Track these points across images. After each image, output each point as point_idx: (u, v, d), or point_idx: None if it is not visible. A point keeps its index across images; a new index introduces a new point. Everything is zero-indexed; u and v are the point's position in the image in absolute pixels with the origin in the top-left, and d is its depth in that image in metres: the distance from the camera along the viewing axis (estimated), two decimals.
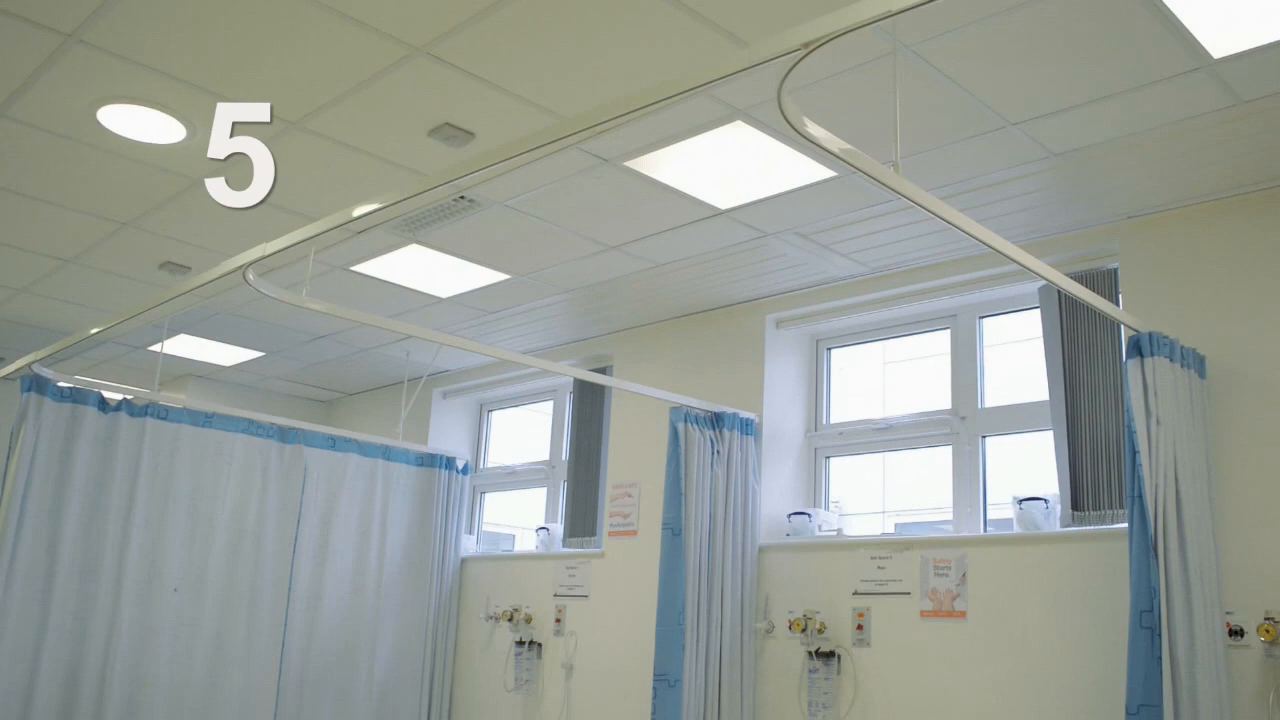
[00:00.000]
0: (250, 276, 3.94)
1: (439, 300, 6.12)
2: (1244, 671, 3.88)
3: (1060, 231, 4.70)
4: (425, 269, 5.63)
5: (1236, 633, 3.88)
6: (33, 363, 5.33)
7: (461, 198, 4.65)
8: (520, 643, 6.48)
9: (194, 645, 5.84)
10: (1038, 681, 4.35)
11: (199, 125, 4.07)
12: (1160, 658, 3.51)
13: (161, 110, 3.95)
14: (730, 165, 4.24)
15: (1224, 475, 4.01)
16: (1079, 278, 4.28)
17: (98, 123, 4.08)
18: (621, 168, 4.29)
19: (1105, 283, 4.60)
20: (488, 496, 7.83)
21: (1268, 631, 3.80)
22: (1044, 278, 3.56)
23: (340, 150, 4.24)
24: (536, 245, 5.23)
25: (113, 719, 5.46)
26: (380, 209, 3.32)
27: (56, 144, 4.31)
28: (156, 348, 6.70)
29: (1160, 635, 3.53)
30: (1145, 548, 3.63)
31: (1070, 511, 4.53)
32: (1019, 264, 3.45)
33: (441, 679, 6.78)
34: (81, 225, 5.25)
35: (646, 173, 4.34)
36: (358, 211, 3.36)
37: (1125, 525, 3.92)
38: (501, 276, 5.69)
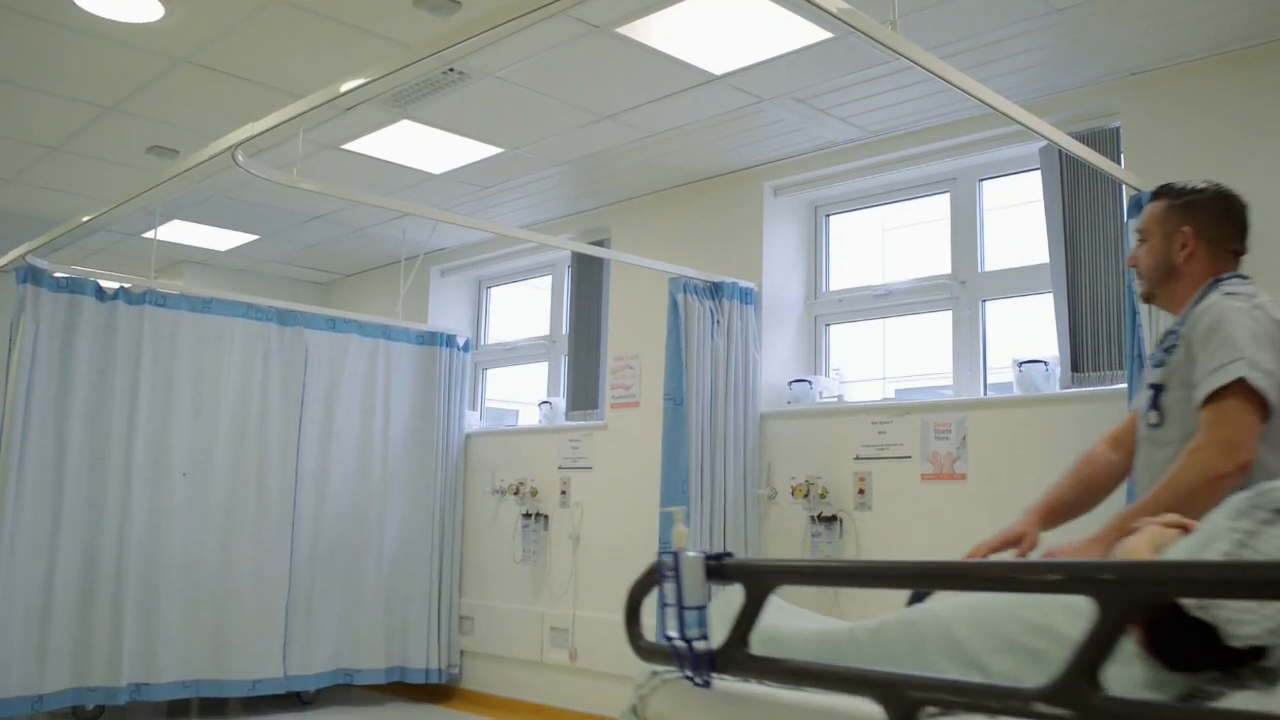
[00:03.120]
0: (240, 157, 3.90)
1: (433, 176, 6.06)
2: None
3: (1061, 91, 4.62)
4: (417, 145, 5.55)
5: None
6: (26, 254, 5.30)
7: (451, 70, 4.56)
8: (527, 515, 6.59)
9: (205, 527, 5.94)
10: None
11: (176, 3, 3.97)
12: None
13: None
14: (724, 28, 4.15)
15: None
16: (1080, 137, 4.22)
17: (73, 3, 3.98)
18: (613, 34, 4.20)
19: (1106, 142, 4.53)
20: (490, 373, 7.87)
21: None
22: (1045, 137, 3.52)
23: (325, 24, 4.14)
24: (529, 117, 5.15)
25: (131, 602, 5.60)
26: (368, 83, 3.26)
27: (33, 27, 4.21)
28: (150, 235, 6.66)
29: None
30: None
31: (1070, 373, 4.55)
32: (1020, 124, 3.41)
33: (451, 552, 6.92)
34: (64, 111, 5.16)
35: (638, 39, 4.25)
36: (345, 87, 3.30)
37: (1124, 386, 3.95)
38: (495, 150, 5.62)
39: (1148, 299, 2.73)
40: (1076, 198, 4.63)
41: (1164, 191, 2.73)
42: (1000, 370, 5.07)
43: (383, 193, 6.15)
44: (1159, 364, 2.53)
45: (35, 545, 5.34)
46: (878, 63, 4.38)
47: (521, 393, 7.76)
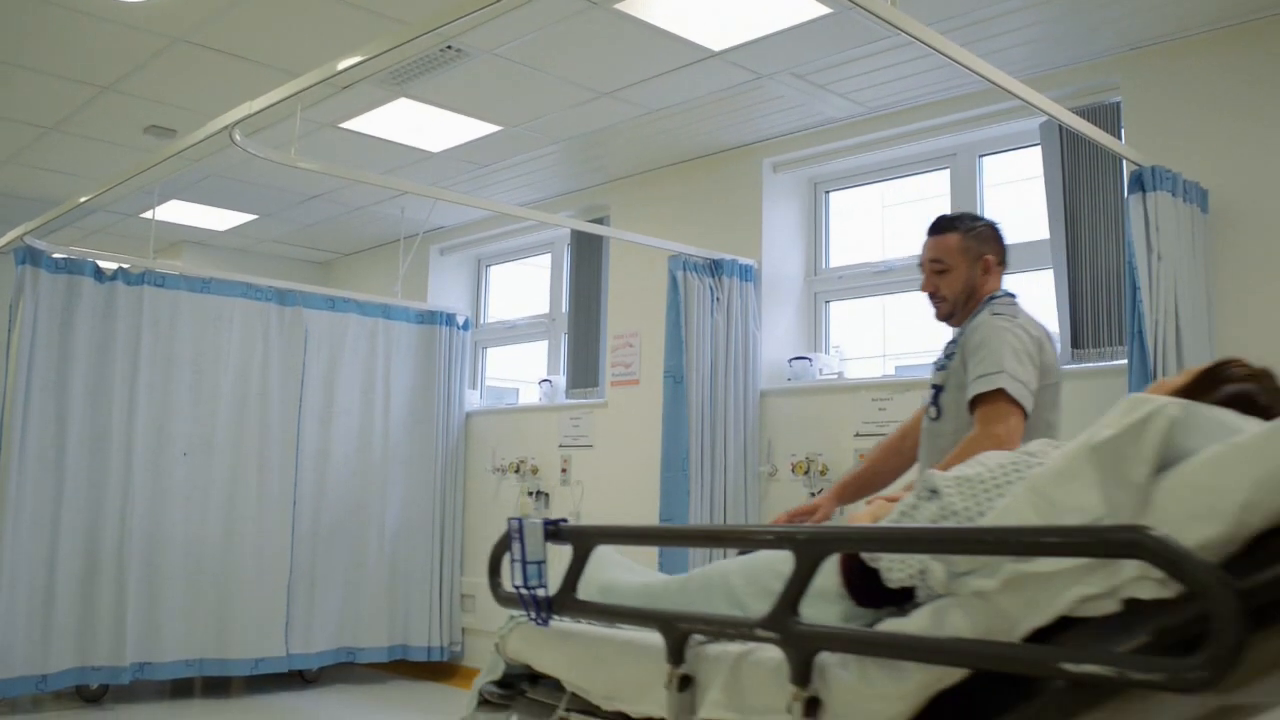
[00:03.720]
0: (237, 136, 3.89)
1: (431, 155, 6.04)
2: None
3: (1061, 66, 4.60)
4: (415, 123, 5.53)
5: None
6: (25, 234, 5.30)
7: (448, 47, 4.54)
8: (528, 493, 6.60)
9: (207, 507, 5.95)
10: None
11: None
12: None
13: None
14: (723, 4, 4.13)
15: (1224, 310, 4.01)
16: (1080, 112, 4.19)
17: None
18: (611, 10, 4.18)
19: (1107, 117, 4.52)
20: (490, 351, 7.87)
21: None
22: (1045, 113, 3.50)
23: (321, 1, 4.13)
24: (527, 94, 5.13)
25: (134, 583, 5.61)
26: (365, 61, 3.25)
27: (28, 5, 4.19)
28: (149, 215, 6.64)
29: None
30: (1145, 384, 3.65)
31: (1070, 349, 4.55)
32: (1020, 99, 3.39)
33: (452, 530, 6.93)
34: (61, 90, 5.14)
35: (637, 15, 4.22)
36: (342, 65, 3.28)
37: (1125, 362, 3.94)
38: (493, 128, 5.60)
39: (949, 319, 3.19)
40: (1077, 173, 4.61)
41: (951, 226, 3.19)
42: None
43: (381, 171, 6.13)
44: (940, 368, 3.06)
45: (37, 526, 5.36)
46: (877, 38, 4.36)
47: (522, 371, 7.76)
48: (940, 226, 3.20)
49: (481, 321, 7.90)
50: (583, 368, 6.65)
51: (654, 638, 2.02)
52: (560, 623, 2.24)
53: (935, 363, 3.08)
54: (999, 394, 2.81)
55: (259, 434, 6.17)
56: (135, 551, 5.64)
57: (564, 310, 7.03)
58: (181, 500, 5.86)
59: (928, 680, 1.63)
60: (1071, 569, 1.50)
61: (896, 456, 3.26)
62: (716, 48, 4.53)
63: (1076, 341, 4.54)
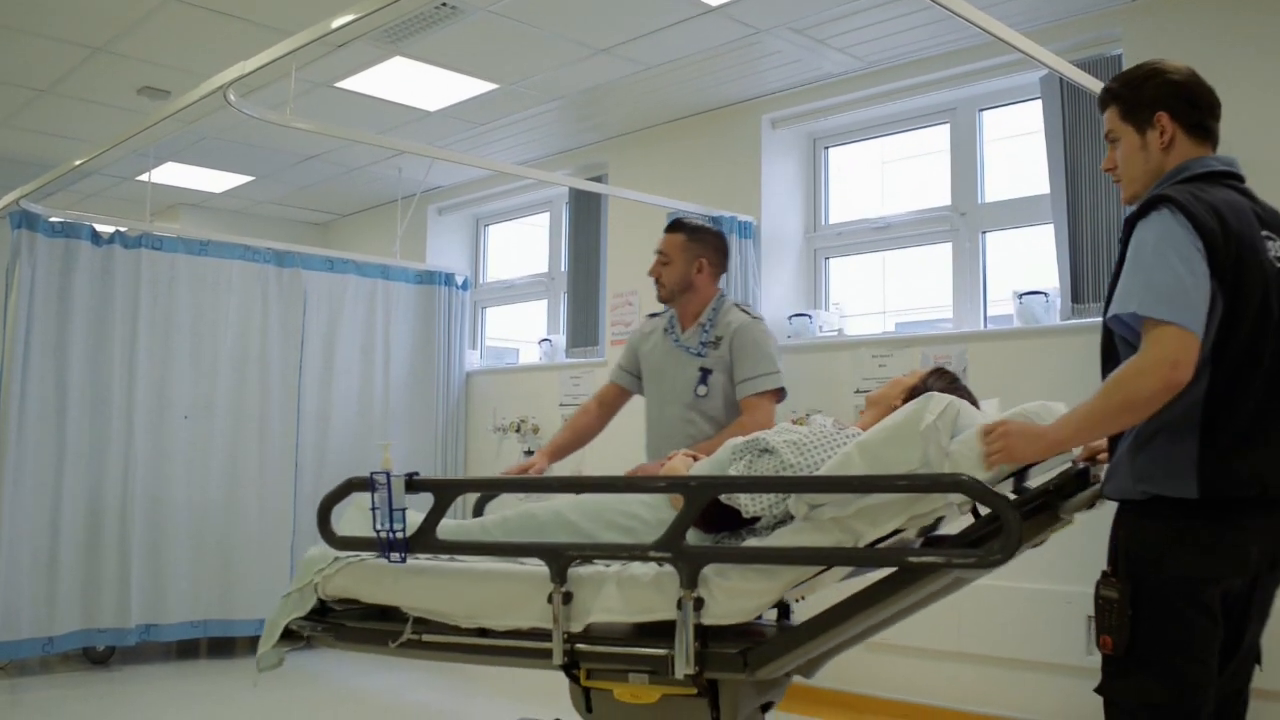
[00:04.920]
0: (231, 97, 3.86)
1: (428, 114, 6.00)
2: None
3: (1062, 18, 4.56)
4: (411, 82, 5.49)
5: None
6: (20, 198, 5.27)
7: (443, 4, 4.49)
8: (529, 452, 6.61)
9: (209, 470, 5.96)
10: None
11: None
12: None
13: None
14: None
15: None
16: (1081, 65, 4.16)
17: None
18: None
19: (1108, 69, 4.47)
20: (489, 311, 7.87)
21: None
22: (1046, 66, 3.48)
23: None
24: (523, 51, 5.09)
25: (138, 544, 5.63)
26: (359, 19, 3.21)
27: None
28: (145, 177, 6.61)
29: None
30: None
31: (1071, 304, 4.54)
32: (1020, 52, 3.37)
33: None
34: (53, 52, 5.10)
35: None
36: (336, 23, 3.26)
37: None
38: (490, 86, 5.56)
39: (667, 302, 3.74)
40: (1078, 127, 4.58)
41: (680, 227, 3.79)
42: (1000, 302, 5.06)
43: (377, 131, 6.09)
44: (701, 355, 3.61)
45: (40, 489, 5.37)
46: None
47: (521, 330, 7.75)
48: (671, 226, 3.81)
49: (480, 281, 7.89)
50: (582, 327, 6.64)
51: (512, 565, 2.56)
52: (412, 560, 2.64)
53: (692, 349, 3.64)
54: (774, 391, 3.57)
55: (259, 396, 6.17)
56: (138, 514, 5.66)
57: (563, 269, 7.01)
58: (183, 463, 5.87)
59: (793, 578, 2.30)
60: (903, 500, 2.21)
61: (596, 423, 3.87)
62: (714, 2, 4.49)
63: (1076, 296, 4.52)
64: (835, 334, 5.53)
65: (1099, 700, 2.18)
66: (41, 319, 5.41)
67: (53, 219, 5.52)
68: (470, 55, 5.15)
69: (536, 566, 2.50)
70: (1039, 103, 4.73)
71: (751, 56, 5.11)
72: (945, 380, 2.69)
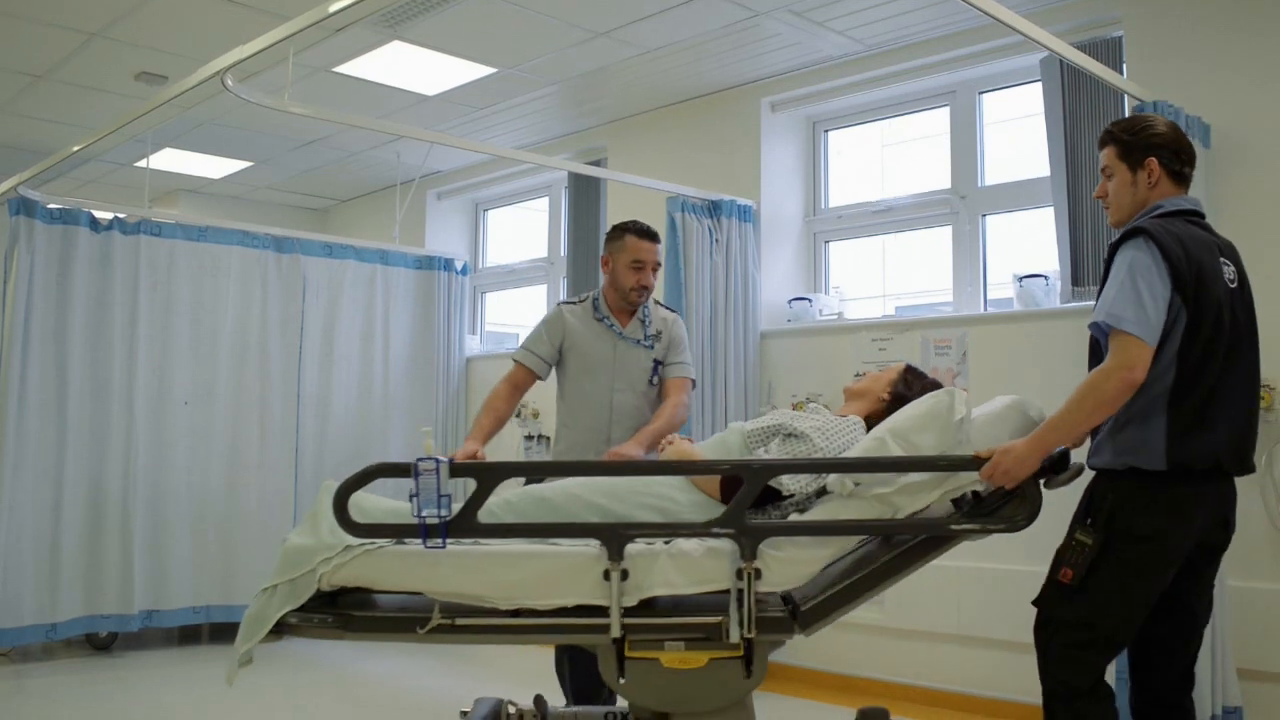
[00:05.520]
0: (229, 82, 3.85)
1: (426, 98, 5.99)
2: None
3: (1062, 0, 4.55)
4: (409, 66, 5.47)
5: None
6: (18, 185, 5.26)
7: None
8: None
9: (209, 456, 5.96)
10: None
11: None
12: None
13: None
14: None
15: None
16: (1082, 47, 4.15)
17: None
18: None
19: (1108, 52, 4.47)
20: (489, 296, 7.86)
21: (1263, 398, 3.86)
22: (1046, 48, 3.47)
23: None
24: (522, 35, 5.07)
25: (139, 532, 5.64)
26: (357, 3, 3.21)
27: None
28: (143, 163, 6.59)
29: None
30: None
31: (1070, 287, 4.53)
32: (1020, 34, 3.36)
33: None
34: (49, 38, 5.08)
35: None
36: (334, 7, 3.25)
37: None
38: (488, 70, 5.55)
39: (640, 304, 3.92)
40: (1078, 109, 4.57)
41: (659, 238, 3.94)
42: (1000, 285, 5.06)
43: (376, 116, 6.08)
44: (651, 348, 3.88)
45: (41, 476, 5.38)
46: None
47: (521, 315, 7.74)
48: (656, 236, 3.94)
49: (480, 266, 7.88)
50: None
51: (542, 545, 2.64)
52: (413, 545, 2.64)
53: (645, 343, 3.88)
54: (692, 378, 3.97)
55: (259, 382, 6.17)
56: (140, 500, 5.67)
57: (562, 254, 7.00)
58: (184, 449, 5.87)
59: (839, 548, 2.62)
60: (937, 478, 2.59)
61: (509, 406, 3.94)
62: None
63: (1076, 279, 4.52)
64: (835, 318, 5.52)
65: None
66: (40, 306, 5.41)
67: (51, 205, 5.51)
68: (469, 39, 5.13)
69: (574, 546, 2.62)
70: (1039, 85, 4.71)
71: (751, 39, 5.09)
72: (924, 379, 3.11)
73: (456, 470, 2.62)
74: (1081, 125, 4.55)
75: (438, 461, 2.59)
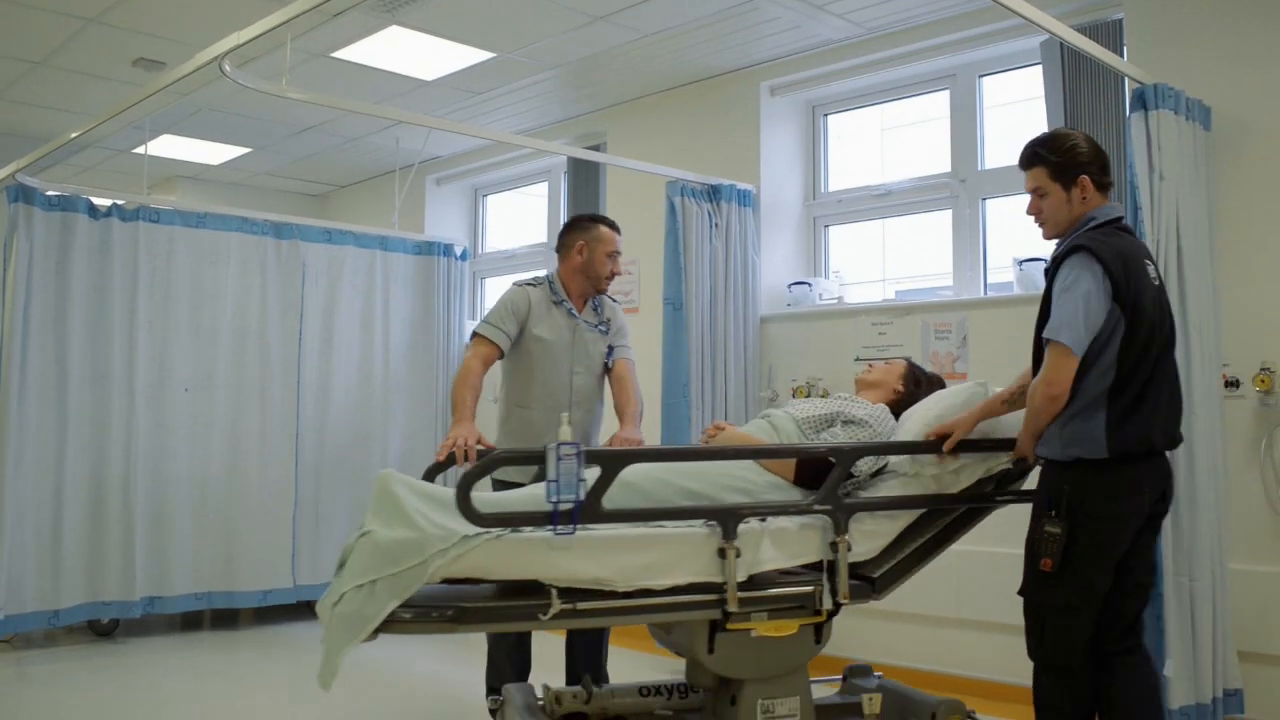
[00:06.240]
0: (227, 68, 3.83)
1: (424, 83, 5.97)
2: (1238, 420, 3.97)
3: None
4: (407, 51, 5.46)
5: (1232, 384, 3.95)
6: (16, 172, 5.25)
7: None
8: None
9: (210, 442, 5.96)
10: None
11: None
12: None
13: None
14: None
15: (1225, 227, 3.99)
16: (1082, 30, 4.13)
17: None
18: None
19: (1109, 34, 4.45)
20: (489, 281, 7.85)
21: (1263, 381, 3.87)
22: (1046, 31, 3.45)
23: None
24: (520, 19, 5.05)
25: (141, 517, 5.65)
26: None
27: None
28: (141, 150, 6.58)
29: None
30: None
31: None
32: (1021, 16, 3.34)
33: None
34: (46, 24, 5.06)
35: None
36: None
37: None
38: (487, 55, 5.53)
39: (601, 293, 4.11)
40: (1078, 92, 4.56)
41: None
42: (1001, 269, 5.05)
43: (374, 101, 6.06)
44: (605, 333, 4.07)
45: (42, 464, 5.38)
46: None
47: None
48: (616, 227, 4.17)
49: (479, 251, 7.87)
50: None
51: (651, 529, 2.75)
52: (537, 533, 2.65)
53: (602, 329, 4.07)
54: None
55: (260, 368, 6.17)
56: (141, 487, 5.67)
57: None
58: (185, 436, 5.88)
59: (906, 520, 3.05)
60: (982, 457, 3.09)
61: (478, 393, 3.94)
62: None
63: None
64: (835, 302, 5.52)
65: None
66: (40, 293, 5.40)
67: (49, 192, 5.50)
68: (467, 23, 5.11)
69: (684, 528, 2.79)
70: (1039, 68, 4.70)
71: (750, 23, 5.07)
72: (926, 373, 3.55)
73: (587, 457, 2.66)
74: (1082, 108, 4.54)
75: (578, 447, 2.61)
